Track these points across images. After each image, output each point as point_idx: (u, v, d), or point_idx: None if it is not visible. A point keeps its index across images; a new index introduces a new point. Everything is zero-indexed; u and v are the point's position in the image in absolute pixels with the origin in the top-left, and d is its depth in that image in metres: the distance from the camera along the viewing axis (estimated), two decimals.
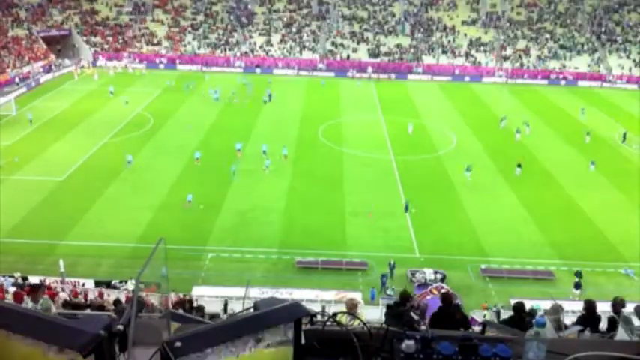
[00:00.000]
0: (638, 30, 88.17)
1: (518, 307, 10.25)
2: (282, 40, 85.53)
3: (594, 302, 9.88)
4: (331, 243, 34.19)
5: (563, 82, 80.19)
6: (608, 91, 76.56)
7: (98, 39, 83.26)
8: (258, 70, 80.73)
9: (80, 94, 65.36)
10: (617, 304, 8.97)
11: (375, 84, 76.01)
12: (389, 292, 30.21)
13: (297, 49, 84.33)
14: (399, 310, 8.54)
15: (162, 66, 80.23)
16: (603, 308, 9.99)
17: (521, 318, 9.80)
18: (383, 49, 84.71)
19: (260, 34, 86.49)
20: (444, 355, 3.28)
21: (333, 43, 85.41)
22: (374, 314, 24.50)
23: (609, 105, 68.95)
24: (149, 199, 39.33)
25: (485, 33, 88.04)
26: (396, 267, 31.96)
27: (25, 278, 28.66)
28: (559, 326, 6.43)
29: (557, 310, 7.47)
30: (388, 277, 31.25)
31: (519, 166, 45.89)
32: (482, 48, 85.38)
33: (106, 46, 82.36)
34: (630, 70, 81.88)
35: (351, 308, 10.83)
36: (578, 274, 31.31)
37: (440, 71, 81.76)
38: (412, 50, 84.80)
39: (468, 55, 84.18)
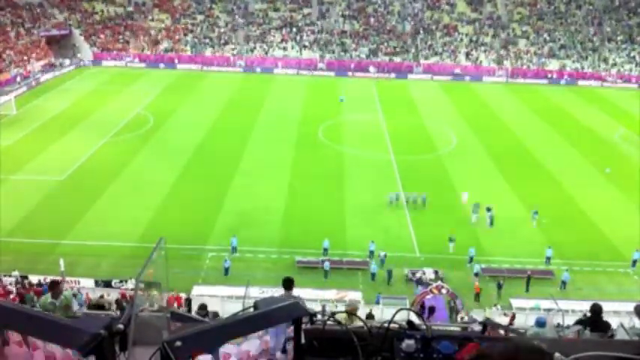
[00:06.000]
0: (638, 30, 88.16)
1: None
2: (282, 40, 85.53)
3: (600, 306, 9.67)
4: (331, 242, 34.15)
5: (563, 81, 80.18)
6: (608, 91, 76.56)
7: (98, 38, 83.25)
8: (258, 69, 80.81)
9: (80, 94, 65.38)
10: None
11: (376, 84, 76.01)
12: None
13: (297, 48, 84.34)
14: None
15: (162, 65, 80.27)
16: (606, 308, 9.90)
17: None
18: (383, 49, 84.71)
19: (260, 34, 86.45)
20: (443, 355, 3.29)
21: (333, 43, 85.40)
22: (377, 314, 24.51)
23: (609, 105, 68.94)
24: (149, 199, 39.33)
25: (485, 33, 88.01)
26: (390, 261, 32.20)
27: (24, 277, 28.71)
28: None
29: None
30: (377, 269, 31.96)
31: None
32: (482, 48, 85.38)
33: (108, 46, 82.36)
34: (630, 70, 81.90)
35: (352, 312, 10.75)
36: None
37: (440, 71, 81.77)
38: (412, 50, 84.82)
39: (468, 54, 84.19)
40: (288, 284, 9.47)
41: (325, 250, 33.45)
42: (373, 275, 31.64)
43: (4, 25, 77.26)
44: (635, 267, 33.33)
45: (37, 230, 34.66)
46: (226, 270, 31.82)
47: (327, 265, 32.05)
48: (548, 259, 33.64)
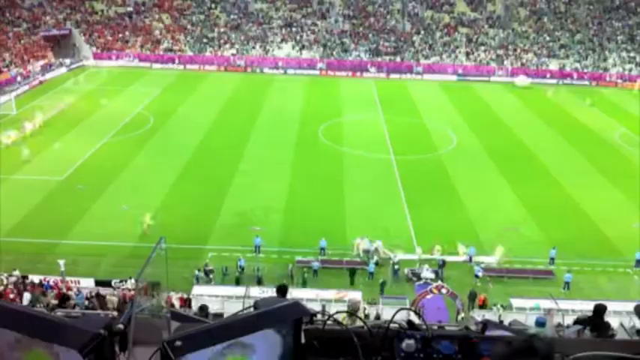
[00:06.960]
0: (639, 30, 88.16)
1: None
2: (282, 40, 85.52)
3: (604, 306, 9.62)
4: (331, 242, 34.14)
5: (563, 81, 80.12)
6: (608, 91, 76.52)
7: (98, 38, 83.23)
8: (258, 69, 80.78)
9: (80, 94, 65.36)
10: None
11: (375, 83, 76.02)
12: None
13: (297, 48, 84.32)
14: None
15: (162, 65, 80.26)
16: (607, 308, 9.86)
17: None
18: (383, 49, 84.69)
19: (260, 34, 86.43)
20: (444, 355, 3.29)
21: (333, 43, 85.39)
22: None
23: (609, 105, 68.91)
24: (149, 199, 39.30)
25: (485, 33, 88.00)
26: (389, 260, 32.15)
27: (24, 277, 28.71)
28: None
29: None
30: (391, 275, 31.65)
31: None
32: (482, 48, 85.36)
33: (108, 46, 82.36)
34: (630, 70, 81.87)
35: (354, 312, 10.71)
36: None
37: (440, 71, 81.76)
38: (412, 50, 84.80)
39: (468, 54, 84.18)
40: (281, 291, 9.01)
41: (322, 249, 33.38)
42: (371, 274, 31.62)
43: (4, 25, 77.25)
44: (638, 267, 33.33)
45: (37, 230, 34.64)
46: (242, 268, 31.47)
47: (315, 264, 32.02)
48: (552, 259, 33.57)
